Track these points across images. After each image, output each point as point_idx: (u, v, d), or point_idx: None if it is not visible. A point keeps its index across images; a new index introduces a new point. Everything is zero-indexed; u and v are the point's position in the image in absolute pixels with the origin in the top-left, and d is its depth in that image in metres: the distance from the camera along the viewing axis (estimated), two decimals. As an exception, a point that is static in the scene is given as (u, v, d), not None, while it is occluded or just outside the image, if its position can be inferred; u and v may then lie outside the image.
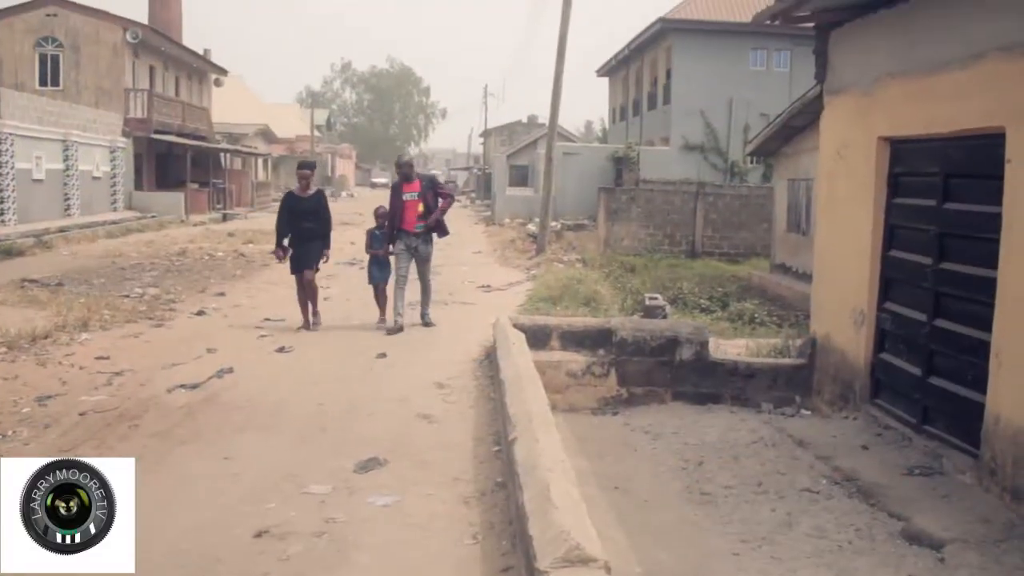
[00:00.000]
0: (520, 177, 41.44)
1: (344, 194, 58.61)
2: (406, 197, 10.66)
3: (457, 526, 4.80)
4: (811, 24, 8.58)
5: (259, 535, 4.65)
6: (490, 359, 8.67)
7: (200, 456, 6.08)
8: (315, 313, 10.78)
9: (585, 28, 46.30)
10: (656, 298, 12.33)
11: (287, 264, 10.94)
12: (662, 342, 8.71)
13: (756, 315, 15.92)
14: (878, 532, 5.61)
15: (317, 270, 10.77)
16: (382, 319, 10.97)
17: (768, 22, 8.77)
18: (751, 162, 30.91)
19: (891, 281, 7.56)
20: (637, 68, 39.10)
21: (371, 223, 11.72)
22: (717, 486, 6.50)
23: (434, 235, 11.01)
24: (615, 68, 42.38)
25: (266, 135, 53.37)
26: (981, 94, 6.09)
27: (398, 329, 10.48)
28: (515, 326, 8.60)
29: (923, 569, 5.12)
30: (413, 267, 10.87)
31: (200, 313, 11.90)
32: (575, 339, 8.79)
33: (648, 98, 37.50)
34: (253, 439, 6.45)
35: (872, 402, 7.73)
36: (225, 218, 33.01)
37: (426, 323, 11.03)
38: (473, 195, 57.99)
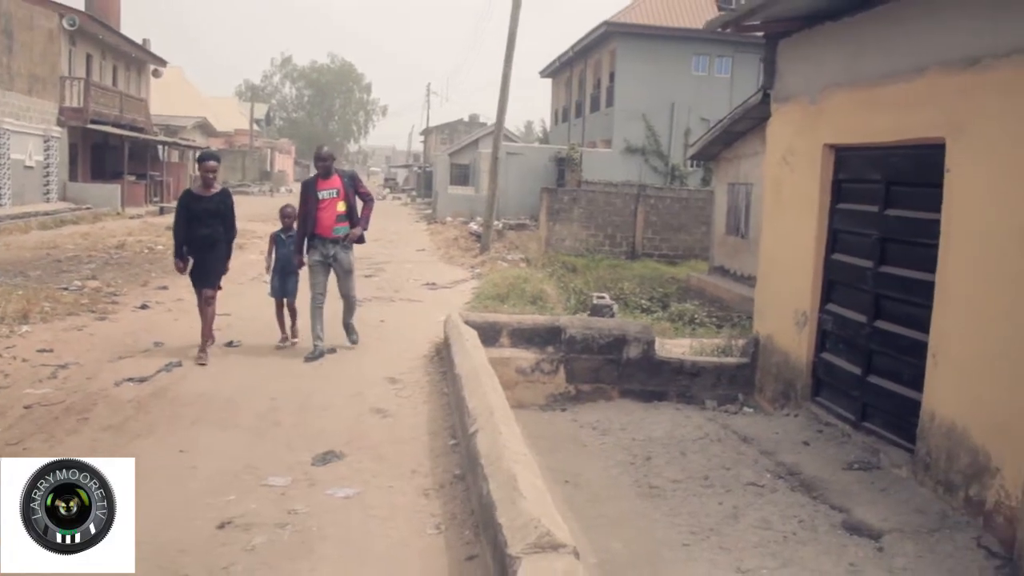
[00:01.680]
0: (461, 176, 41.54)
1: (283, 189, 57.97)
2: (323, 195, 8.96)
3: (419, 517, 4.89)
4: (760, 33, 8.81)
5: (222, 526, 4.67)
6: (441, 355, 8.76)
7: (155, 450, 6.02)
8: (204, 347, 8.71)
9: (529, 30, 46.69)
10: (603, 297, 12.52)
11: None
12: (610, 340, 8.88)
13: (696, 316, 16.24)
14: (820, 523, 5.85)
15: (219, 288, 8.95)
16: (283, 339, 9.45)
17: (720, 29, 8.97)
18: (691, 165, 31.40)
19: (833, 283, 7.83)
20: (580, 70, 39.42)
21: None
22: (665, 480, 6.68)
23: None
24: (558, 70, 42.69)
25: (205, 128, 52.50)
26: (923, 106, 6.36)
27: (318, 355, 8.83)
28: (466, 323, 8.69)
29: (863, 558, 5.37)
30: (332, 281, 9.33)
31: (144, 307, 11.71)
32: (525, 336, 8.92)
33: (591, 100, 37.84)
34: (208, 433, 6.42)
35: (813, 400, 8.00)
36: (162, 211, 32.34)
37: (352, 340, 9.47)
38: (414, 193, 57.83)
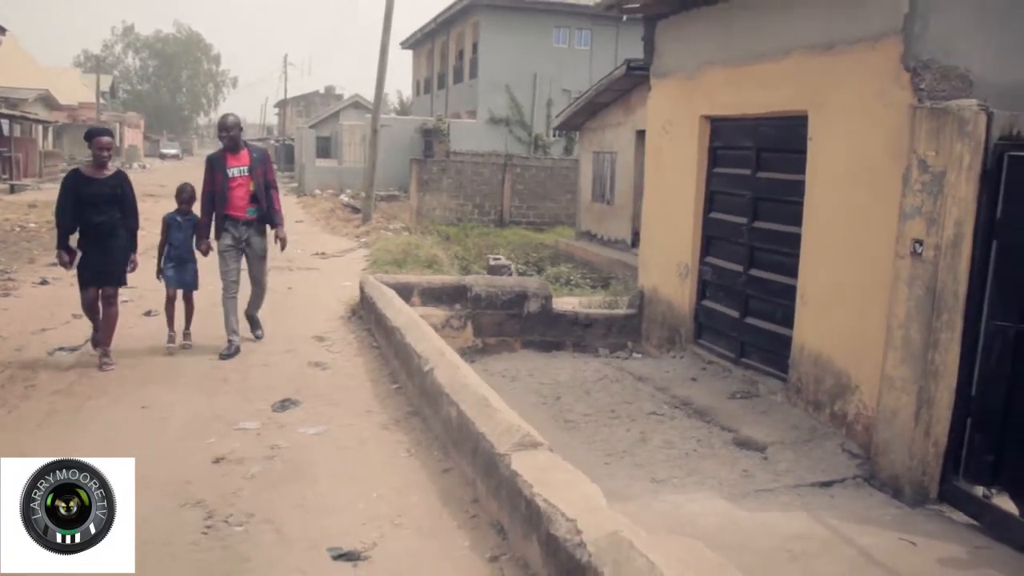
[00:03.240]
0: (323, 149, 41.42)
1: (136, 165, 56.03)
2: (234, 172, 8.09)
3: (387, 445, 5.61)
4: (640, 15, 9.74)
5: (217, 461, 5.26)
6: (357, 315, 9.39)
7: (116, 407, 6.46)
8: (107, 351, 7.69)
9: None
10: (499, 258, 13.37)
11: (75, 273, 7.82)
12: (512, 296, 9.71)
13: (571, 278, 17.31)
14: (715, 441, 6.85)
15: (122, 285, 7.84)
16: (172, 337, 8.36)
17: (604, 11, 9.85)
18: (554, 135, 32.52)
19: (711, 239, 8.87)
20: (443, 42, 39.91)
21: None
22: (577, 415, 7.57)
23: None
24: (420, 41, 43.04)
25: (47, 101, 49.93)
26: (788, 83, 7.40)
27: (234, 352, 8.06)
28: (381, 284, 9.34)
29: (752, 465, 6.39)
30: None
31: (43, 283, 11.77)
32: (434, 295, 9.63)
33: (454, 72, 38.43)
34: (161, 391, 6.87)
35: (696, 342, 9.05)
36: (13, 189, 31.08)
37: (257, 335, 8.74)
38: (275, 167, 56.93)
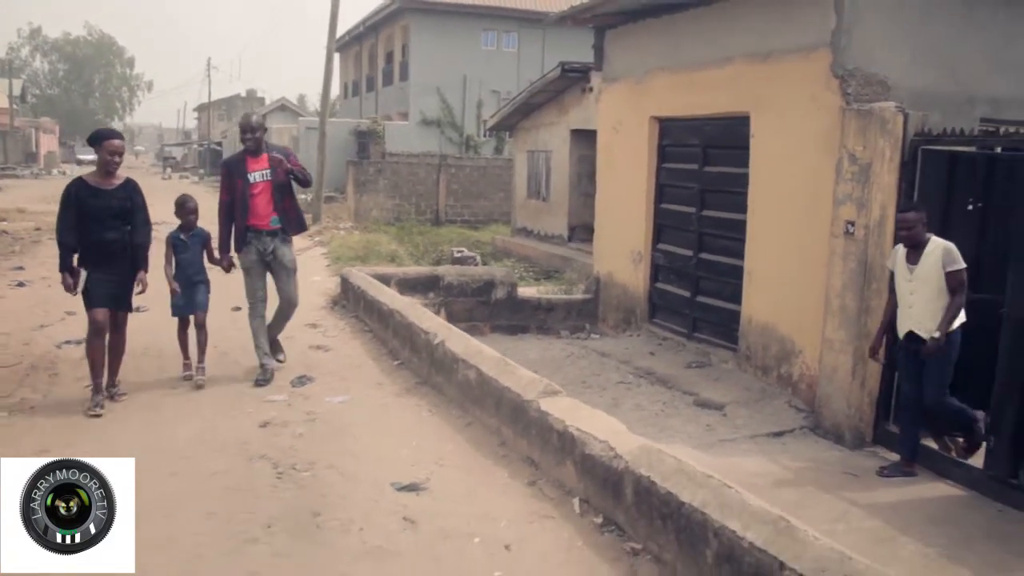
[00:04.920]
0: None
1: (56, 172, 55.05)
2: (255, 177, 7.27)
3: (408, 408, 6.42)
4: (591, 25, 10.70)
5: (264, 425, 5.99)
6: (340, 304, 10.14)
7: (144, 388, 7.09)
8: (112, 384, 6.82)
9: (310, 3, 46.75)
10: (463, 251, 14.21)
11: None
12: (481, 285, 10.58)
13: (515, 271, 18.14)
14: (679, 403, 7.81)
15: (131, 309, 6.94)
16: (187, 365, 7.41)
17: (557, 22, 10.80)
18: (484, 136, 33.36)
19: (662, 227, 9.86)
20: (371, 45, 40.39)
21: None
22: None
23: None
24: (348, 44, 43.31)
25: (-45, 107, 49.02)
26: (731, 87, 8.41)
27: (270, 377, 7.28)
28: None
29: (714, 421, 7.36)
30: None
31: (21, 284, 12.13)
32: (410, 284, 10.41)
33: (383, 74, 38.96)
34: (179, 374, 7.48)
35: (651, 321, 10.04)
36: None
37: (279, 359, 7.76)
38: (201, 171, 56.58)
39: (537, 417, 5.00)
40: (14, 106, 61.51)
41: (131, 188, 6.73)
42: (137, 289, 6.73)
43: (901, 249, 6.08)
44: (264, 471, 5.19)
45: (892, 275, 6.19)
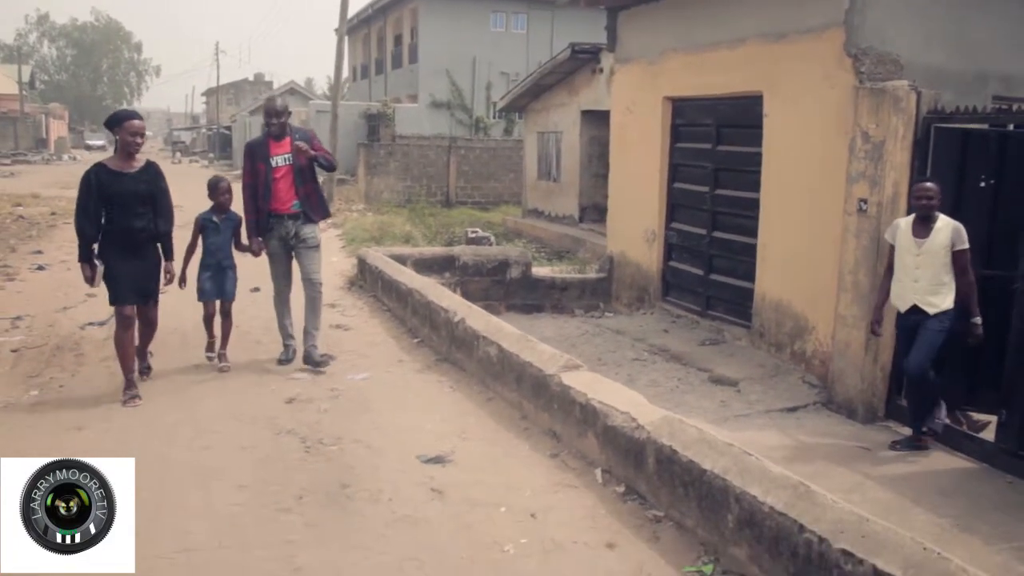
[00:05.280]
0: (261, 135, 41.59)
1: (66, 157, 55.22)
2: (277, 161, 7.10)
3: (430, 384, 6.57)
4: (603, 6, 10.76)
5: (289, 401, 6.15)
6: (358, 285, 10.27)
7: (169, 366, 7.24)
8: (144, 366, 6.90)
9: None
10: (477, 232, 14.32)
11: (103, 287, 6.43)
12: (496, 264, 10.70)
13: (527, 252, 18.25)
14: (693, 379, 7.93)
15: (158, 301, 6.72)
16: (211, 344, 7.44)
17: (569, 4, 10.86)
18: (493, 117, 33.43)
19: (676, 206, 9.95)
20: (380, 28, 40.39)
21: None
22: (570, 363, 8.61)
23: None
24: (357, 27, 43.31)
25: (-33, 92, 49.19)
26: (744, 67, 8.48)
27: (292, 356, 7.39)
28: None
29: (728, 397, 7.47)
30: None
31: (40, 268, 12.32)
32: (426, 264, 10.53)
33: (392, 57, 38.99)
34: (203, 353, 7.64)
35: (664, 300, 10.15)
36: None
37: (317, 361, 7.22)
38: (211, 156, 56.75)
39: (559, 391, 5.15)
40: (23, 92, 61.73)
41: (154, 171, 6.45)
42: (165, 280, 6.60)
43: (904, 222, 6.13)
44: (292, 445, 5.34)
45: (892, 249, 6.22)
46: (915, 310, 6.04)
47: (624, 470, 4.59)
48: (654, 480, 4.31)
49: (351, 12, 42.51)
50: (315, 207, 7.35)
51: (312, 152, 7.12)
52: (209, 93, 77.28)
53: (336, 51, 22.49)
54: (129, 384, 6.36)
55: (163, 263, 6.53)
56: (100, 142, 75.72)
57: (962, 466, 6.01)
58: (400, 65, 37.65)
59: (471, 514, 4.41)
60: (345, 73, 52.17)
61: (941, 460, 6.07)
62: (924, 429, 6.22)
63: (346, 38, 47.69)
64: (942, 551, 3.04)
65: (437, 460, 5.05)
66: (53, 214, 19.48)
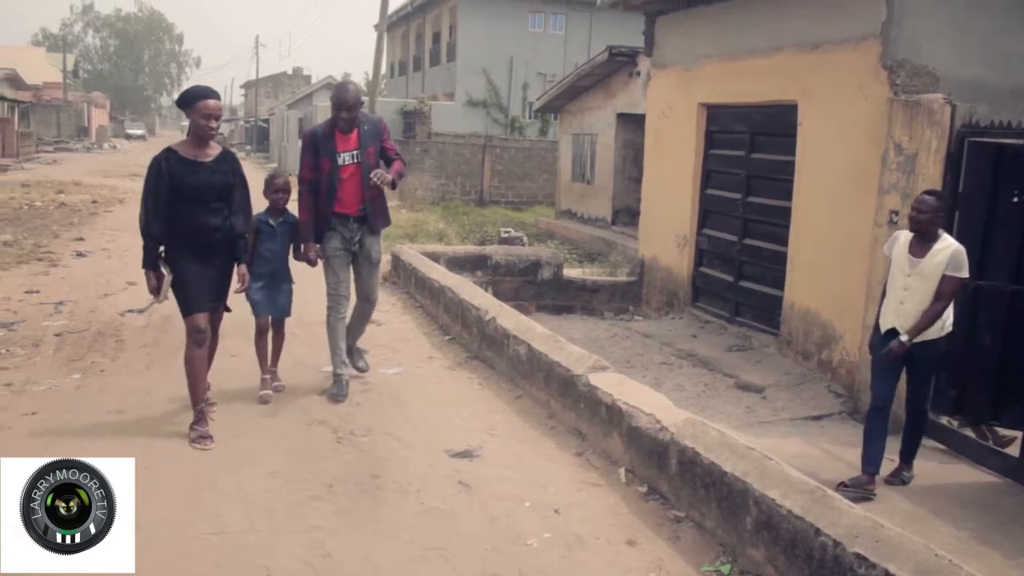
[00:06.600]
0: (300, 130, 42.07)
1: (107, 146, 56.05)
2: (344, 159, 6.12)
3: (460, 381, 6.71)
4: (641, 11, 10.85)
5: (321, 394, 6.29)
6: (390, 280, 10.43)
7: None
8: (203, 404, 5.47)
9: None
10: (509, 231, 14.46)
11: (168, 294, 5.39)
12: (527, 264, 10.83)
13: (559, 253, 18.35)
14: (719, 385, 8.01)
15: (229, 310, 5.76)
16: (266, 380, 6.33)
17: (609, 7, 10.97)
18: (529, 117, 33.56)
19: (708, 212, 10.02)
20: (419, 25, 40.68)
21: None
22: (597, 364, 8.71)
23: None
24: (395, 24, 43.64)
25: (14, 81, 49.92)
26: (779, 76, 8.54)
27: (346, 390, 6.28)
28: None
29: (754, 403, 7.55)
30: None
31: (81, 255, 12.56)
32: (458, 263, 10.68)
33: (430, 55, 39.25)
34: (240, 343, 7.69)
35: (693, 305, 10.22)
36: (-3, 169, 31.38)
37: (360, 367, 6.84)
38: (248, 148, 57.32)
39: (586, 391, 5.26)
40: (67, 81, 62.76)
41: (232, 160, 5.51)
42: (236, 286, 5.70)
43: (903, 236, 5.65)
44: (323, 435, 5.49)
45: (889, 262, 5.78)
46: (894, 333, 5.55)
47: (647, 470, 4.69)
48: (676, 481, 4.41)
49: (391, 8, 42.92)
50: (380, 214, 6.42)
51: (389, 177, 6.19)
52: (248, 86, 78.10)
53: (375, 47, 22.74)
54: (199, 418, 5.38)
55: (238, 267, 5.62)
56: (140, 131, 76.85)
57: (986, 480, 6.04)
58: (438, 63, 37.89)
59: (496, 508, 4.53)
60: (383, 69, 52.68)
61: (965, 473, 6.12)
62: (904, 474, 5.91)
63: (385, 35, 48.18)
64: (954, 558, 3.12)
65: (465, 455, 5.18)
66: (94, 202, 19.85)
